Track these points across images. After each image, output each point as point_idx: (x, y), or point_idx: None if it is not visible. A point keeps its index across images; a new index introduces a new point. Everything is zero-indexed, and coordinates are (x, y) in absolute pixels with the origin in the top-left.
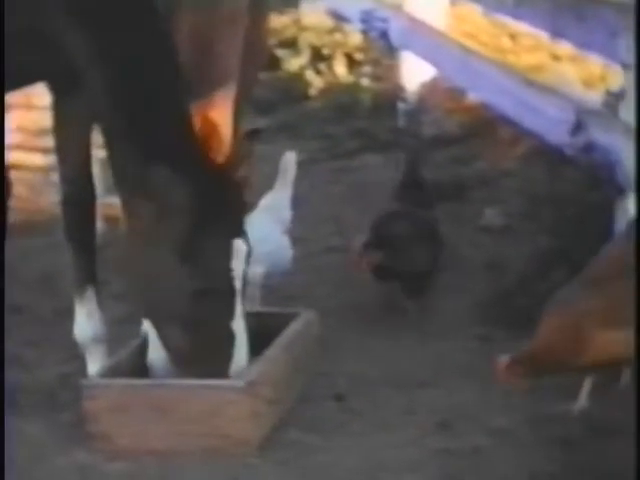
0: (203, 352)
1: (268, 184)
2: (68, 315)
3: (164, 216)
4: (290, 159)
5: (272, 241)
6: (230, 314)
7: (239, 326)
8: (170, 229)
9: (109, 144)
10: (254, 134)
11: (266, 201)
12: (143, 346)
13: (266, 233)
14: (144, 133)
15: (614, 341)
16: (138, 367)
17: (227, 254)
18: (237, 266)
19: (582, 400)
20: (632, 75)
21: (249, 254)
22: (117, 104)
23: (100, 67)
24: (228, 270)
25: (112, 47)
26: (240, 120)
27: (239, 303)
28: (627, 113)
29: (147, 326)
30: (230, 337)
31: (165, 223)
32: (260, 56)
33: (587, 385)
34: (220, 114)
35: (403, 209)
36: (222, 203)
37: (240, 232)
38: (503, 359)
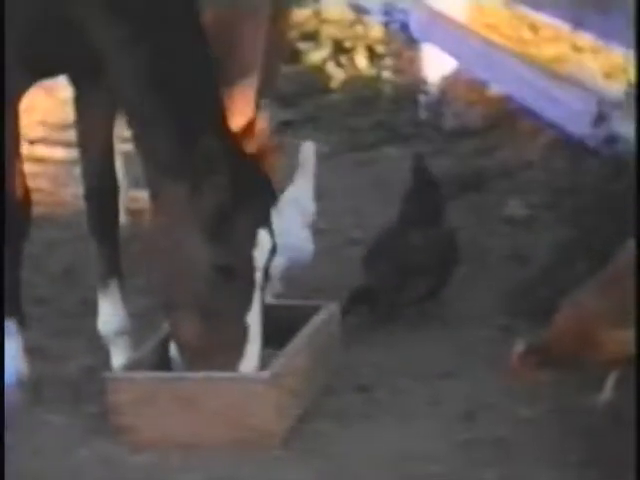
0: (214, 344)
1: (290, 177)
2: (92, 308)
3: (195, 196)
4: (308, 150)
5: (293, 234)
6: (247, 306)
7: (255, 321)
8: (199, 209)
9: (140, 128)
10: (285, 125)
11: (288, 194)
12: (167, 339)
13: (288, 225)
14: (177, 115)
15: (627, 341)
16: (162, 360)
17: (251, 242)
18: (260, 257)
19: (607, 393)
20: None
21: (274, 249)
22: (149, 87)
23: (131, 50)
24: (250, 259)
25: (143, 31)
26: (264, 112)
27: (258, 297)
28: None
29: None
30: (244, 331)
31: (195, 204)
32: (282, 49)
33: (612, 378)
34: (243, 106)
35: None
36: (251, 190)
37: (266, 223)
38: (518, 347)
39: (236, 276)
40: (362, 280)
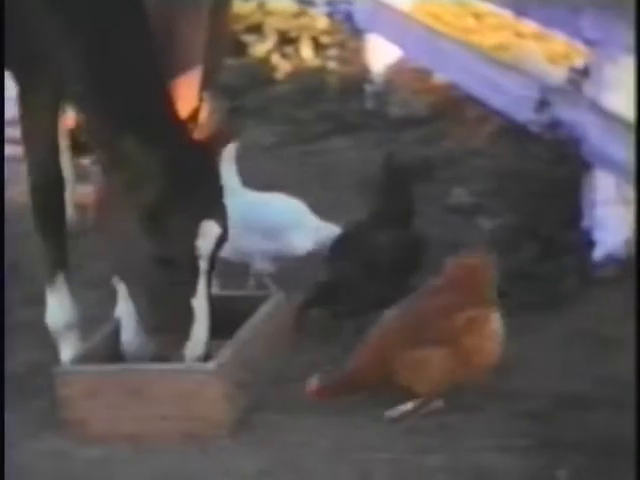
0: (165, 321)
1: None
2: (40, 302)
3: (134, 185)
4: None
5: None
6: (191, 292)
7: (201, 306)
8: (139, 198)
9: (83, 117)
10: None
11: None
12: (115, 332)
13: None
14: (114, 103)
15: (415, 361)
16: (111, 353)
17: (192, 232)
18: (204, 246)
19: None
20: (595, 52)
21: (222, 238)
22: (89, 75)
23: (72, 40)
24: (192, 248)
25: (83, 21)
26: (208, 103)
27: (203, 283)
28: (591, 89)
29: (121, 311)
30: (189, 314)
31: (135, 192)
32: (224, 41)
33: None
34: (186, 99)
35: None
36: (195, 181)
37: (212, 213)
38: (313, 383)
39: (176, 266)
40: (324, 275)
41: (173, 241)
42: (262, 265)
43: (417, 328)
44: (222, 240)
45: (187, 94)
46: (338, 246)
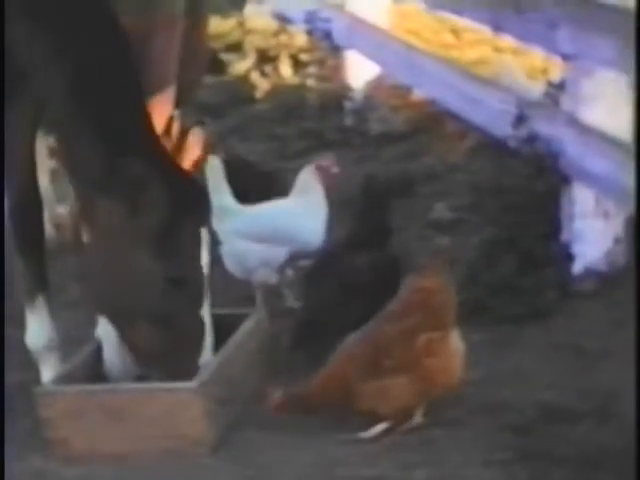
0: (175, 346)
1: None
2: (21, 323)
3: (136, 213)
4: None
5: None
6: (200, 302)
7: (207, 313)
8: (143, 225)
9: (70, 148)
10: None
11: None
12: (96, 352)
13: None
14: (111, 132)
15: (376, 390)
16: (92, 373)
17: (198, 242)
18: (204, 254)
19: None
20: (572, 66)
21: (209, 243)
22: (79, 103)
23: (58, 66)
24: (198, 258)
25: (69, 46)
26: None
27: (207, 291)
28: (569, 103)
29: (102, 331)
30: (202, 325)
31: (138, 220)
32: (200, 60)
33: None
34: (160, 116)
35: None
36: (189, 198)
37: (206, 221)
38: (276, 396)
39: (187, 282)
40: (302, 307)
41: (183, 258)
42: (267, 277)
43: (377, 356)
44: (209, 245)
45: (161, 113)
46: (314, 271)
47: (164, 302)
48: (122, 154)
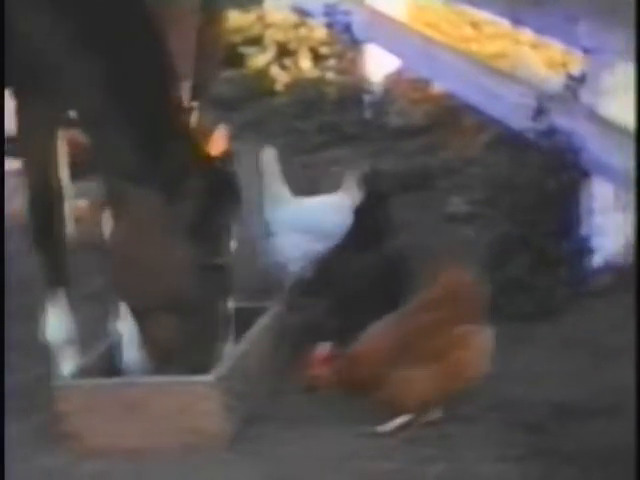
0: (197, 338)
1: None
2: (40, 317)
3: (173, 202)
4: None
5: None
6: (227, 293)
7: (231, 307)
8: (179, 214)
9: (102, 139)
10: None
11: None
12: (114, 346)
13: None
14: (145, 122)
15: (401, 380)
16: (109, 367)
17: (228, 233)
18: (232, 245)
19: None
20: (593, 59)
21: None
22: (113, 94)
23: (91, 59)
24: (228, 249)
25: (102, 38)
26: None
27: (232, 282)
28: (588, 97)
29: (123, 326)
30: (226, 317)
31: (174, 209)
32: (216, 55)
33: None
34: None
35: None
36: (221, 187)
37: (236, 211)
38: (323, 348)
39: (218, 272)
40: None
41: (219, 247)
42: (302, 270)
43: (406, 346)
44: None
45: None
46: (313, 276)
47: (193, 292)
48: (156, 144)
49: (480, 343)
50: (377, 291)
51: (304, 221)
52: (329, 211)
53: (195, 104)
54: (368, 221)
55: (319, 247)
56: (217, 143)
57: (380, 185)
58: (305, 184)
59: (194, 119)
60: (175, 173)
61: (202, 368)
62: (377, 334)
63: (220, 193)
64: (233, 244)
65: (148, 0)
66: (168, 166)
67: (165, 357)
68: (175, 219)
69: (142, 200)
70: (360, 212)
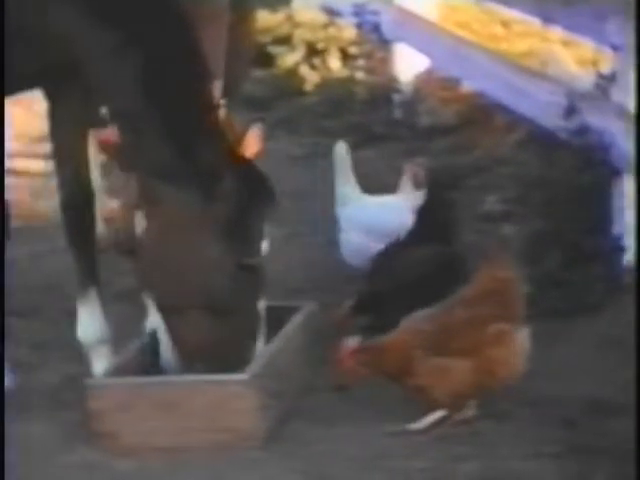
0: (228, 338)
1: None
2: (72, 317)
3: (209, 201)
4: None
5: None
6: (259, 294)
7: (262, 308)
8: (215, 213)
9: (137, 139)
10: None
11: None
12: (147, 345)
13: None
14: (180, 121)
15: (436, 368)
16: (143, 366)
17: (261, 233)
18: (265, 246)
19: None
20: (623, 57)
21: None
22: (143, 95)
23: (127, 58)
24: (260, 249)
25: (138, 37)
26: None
27: (264, 283)
28: (619, 95)
29: (154, 323)
30: (257, 318)
31: (210, 208)
32: (246, 53)
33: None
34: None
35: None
36: (255, 184)
37: (270, 212)
38: (351, 342)
39: (252, 272)
40: (364, 288)
41: (254, 247)
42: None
43: (445, 336)
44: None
45: None
46: (377, 261)
47: (228, 290)
48: (192, 144)
49: (515, 343)
50: (429, 286)
51: (366, 220)
52: (390, 211)
53: (224, 102)
54: (431, 220)
55: (379, 247)
56: (251, 143)
57: (444, 184)
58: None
59: (223, 117)
60: (209, 172)
61: (231, 368)
62: (411, 326)
63: (254, 193)
64: (265, 245)
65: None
66: (202, 165)
67: (195, 356)
68: (208, 218)
69: (176, 199)
70: (424, 211)
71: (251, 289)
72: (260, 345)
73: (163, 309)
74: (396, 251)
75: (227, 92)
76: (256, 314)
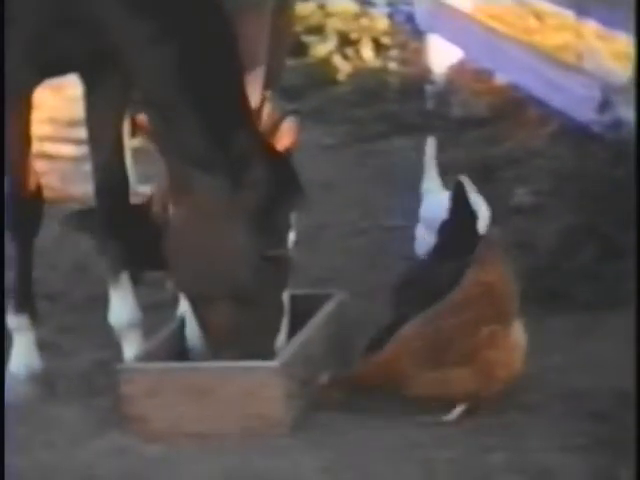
0: (253, 327)
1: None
2: (103, 302)
3: (238, 190)
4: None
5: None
6: (284, 284)
7: (286, 299)
8: (244, 202)
9: (169, 125)
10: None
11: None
12: (178, 330)
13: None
14: (213, 110)
15: (434, 381)
16: (174, 351)
17: (288, 224)
18: (291, 237)
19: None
20: None
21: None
22: (178, 83)
23: (162, 47)
24: (287, 240)
25: (174, 27)
26: (270, 104)
27: (289, 275)
28: None
29: (186, 309)
30: (282, 309)
31: (239, 196)
32: (287, 41)
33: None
34: (250, 96)
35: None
36: (284, 179)
37: (297, 204)
38: (323, 378)
39: (280, 261)
40: (391, 309)
41: (279, 239)
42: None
43: (438, 348)
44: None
45: (251, 93)
46: (403, 283)
47: (254, 280)
48: (225, 132)
49: (510, 341)
50: None
51: (429, 215)
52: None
53: (268, 93)
54: (457, 233)
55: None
56: (285, 136)
57: (467, 199)
58: None
59: (267, 108)
60: (240, 161)
61: (256, 357)
62: (404, 339)
63: (283, 185)
64: (292, 236)
65: None
66: (233, 154)
67: (221, 344)
68: (236, 207)
69: (205, 186)
70: (449, 223)
71: (276, 280)
72: (283, 336)
73: (189, 296)
74: (423, 270)
75: (269, 82)
76: (280, 305)
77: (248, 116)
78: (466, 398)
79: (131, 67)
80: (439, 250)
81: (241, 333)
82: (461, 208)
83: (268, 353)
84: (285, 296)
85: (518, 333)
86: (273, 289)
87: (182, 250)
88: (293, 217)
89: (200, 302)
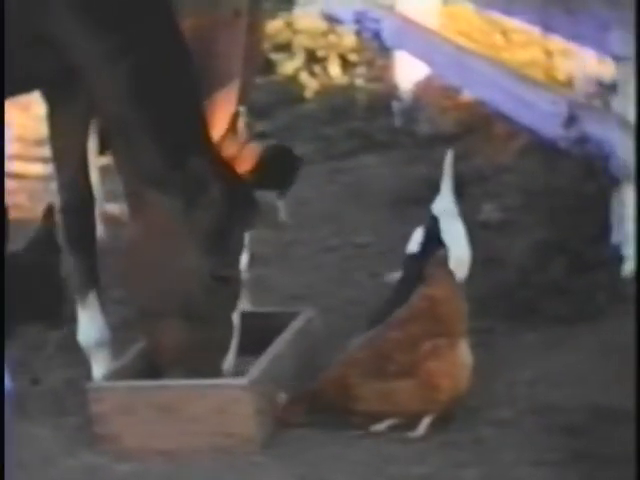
0: (202, 346)
1: None
2: (72, 320)
3: (192, 210)
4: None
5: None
6: (235, 304)
7: (237, 320)
8: (197, 222)
9: (125, 144)
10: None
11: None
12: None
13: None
14: (170, 130)
15: (379, 393)
16: (143, 369)
17: (241, 245)
18: (244, 257)
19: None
20: (624, 67)
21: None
22: (133, 101)
23: (118, 66)
24: (239, 261)
25: (129, 46)
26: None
27: (240, 296)
28: (620, 105)
29: None
30: (231, 329)
31: (192, 217)
32: (257, 59)
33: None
34: (222, 114)
35: None
36: (239, 200)
37: (252, 225)
38: (281, 399)
39: (230, 281)
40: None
41: (230, 259)
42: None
43: (379, 361)
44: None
45: (225, 107)
46: (373, 321)
47: (204, 300)
48: (180, 152)
49: (455, 355)
50: None
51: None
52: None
53: (241, 108)
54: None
55: None
56: (245, 160)
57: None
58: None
59: (240, 123)
60: (196, 182)
61: (204, 375)
62: (345, 357)
63: (239, 207)
64: (245, 257)
65: (194, 4)
66: (189, 174)
67: (166, 362)
68: (191, 227)
69: (160, 205)
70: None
71: (226, 300)
72: (231, 356)
73: (140, 312)
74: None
75: (242, 99)
76: (230, 325)
77: (205, 137)
78: (413, 413)
79: (89, 84)
80: (406, 283)
81: (188, 351)
82: (432, 244)
83: (214, 372)
84: (235, 316)
85: (464, 352)
86: (223, 309)
87: (135, 265)
88: (247, 238)
89: (149, 318)
